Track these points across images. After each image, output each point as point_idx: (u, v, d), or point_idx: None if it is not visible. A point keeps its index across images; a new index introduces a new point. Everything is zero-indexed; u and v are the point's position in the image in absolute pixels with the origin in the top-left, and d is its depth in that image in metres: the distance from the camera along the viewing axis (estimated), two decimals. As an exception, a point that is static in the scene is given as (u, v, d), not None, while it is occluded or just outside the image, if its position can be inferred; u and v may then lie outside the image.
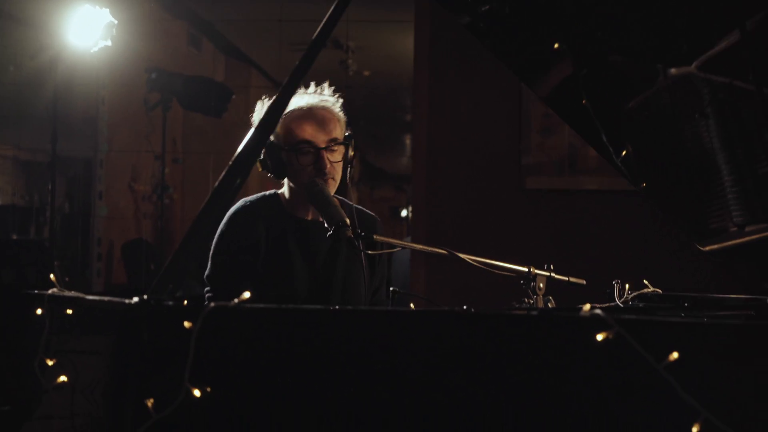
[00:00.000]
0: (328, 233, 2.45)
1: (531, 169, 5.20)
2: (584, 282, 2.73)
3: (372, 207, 3.19)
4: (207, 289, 2.68)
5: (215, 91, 6.74)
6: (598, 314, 1.50)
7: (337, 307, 1.81)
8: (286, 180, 2.77)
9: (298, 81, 2.31)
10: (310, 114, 2.70)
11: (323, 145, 2.67)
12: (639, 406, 1.53)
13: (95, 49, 5.11)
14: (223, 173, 2.09)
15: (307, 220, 2.77)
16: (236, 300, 1.66)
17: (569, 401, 1.56)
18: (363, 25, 6.95)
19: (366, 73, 8.91)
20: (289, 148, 2.67)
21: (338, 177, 2.72)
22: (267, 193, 2.82)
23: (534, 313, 1.58)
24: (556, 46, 2.69)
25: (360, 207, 2.88)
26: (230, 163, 2.11)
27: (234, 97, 6.86)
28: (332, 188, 2.69)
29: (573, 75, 2.68)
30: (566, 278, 2.70)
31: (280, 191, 2.82)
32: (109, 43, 5.08)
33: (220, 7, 7.40)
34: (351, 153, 2.73)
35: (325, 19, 2.32)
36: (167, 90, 6.54)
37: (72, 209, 7.52)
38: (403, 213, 13.66)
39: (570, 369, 1.57)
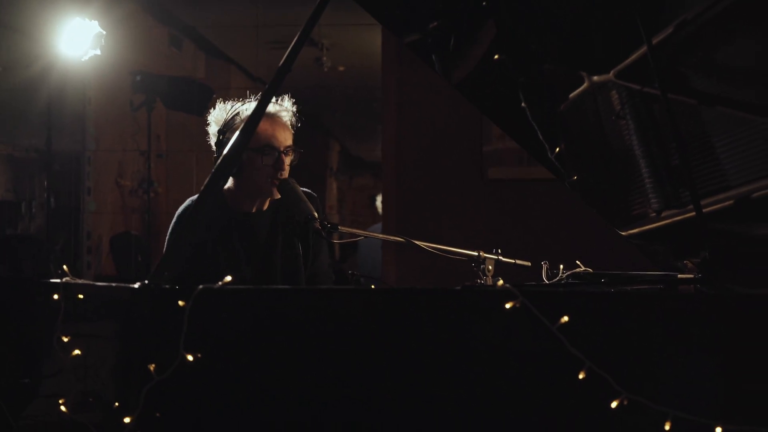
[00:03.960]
0: (300, 225, 2.83)
1: (493, 159, 5.57)
2: (529, 264, 3.07)
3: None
4: None
5: (197, 90, 7.05)
6: (507, 287, 1.89)
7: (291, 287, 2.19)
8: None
9: (281, 81, 2.61)
10: (277, 120, 3.03)
11: (283, 150, 3.00)
12: (542, 358, 1.91)
13: (85, 58, 5.39)
14: (210, 175, 2.45)
15: (251, 213, 3.08)
16: (220, 283, 2.04)
17: (489, 360, 1.94)
18: (334, 27, 7.28)
19: (341, 68, 9.23)
20: (253, 148, 2.94)
21: (286, 176, 3.02)
22: None
23: (458, 288, 1.94)
24: (496, 57, 3.07)
25: (304, 189, 3.06)
26: (217, 164, 2.48)
27: (214, 96, 7.18)
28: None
29: (511, 83, 3.06)
30: (513, 261, 3.05)
31: (225, 187, 3.04)
32: (98, 52, 5.36)
33: (199, 11, 7.68)
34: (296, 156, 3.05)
35: (304, 23, 2.66)
36: (152, 91, 6.85)
37: (59, 204, 7.78)
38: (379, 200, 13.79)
39: (488, 334, 1.95)
